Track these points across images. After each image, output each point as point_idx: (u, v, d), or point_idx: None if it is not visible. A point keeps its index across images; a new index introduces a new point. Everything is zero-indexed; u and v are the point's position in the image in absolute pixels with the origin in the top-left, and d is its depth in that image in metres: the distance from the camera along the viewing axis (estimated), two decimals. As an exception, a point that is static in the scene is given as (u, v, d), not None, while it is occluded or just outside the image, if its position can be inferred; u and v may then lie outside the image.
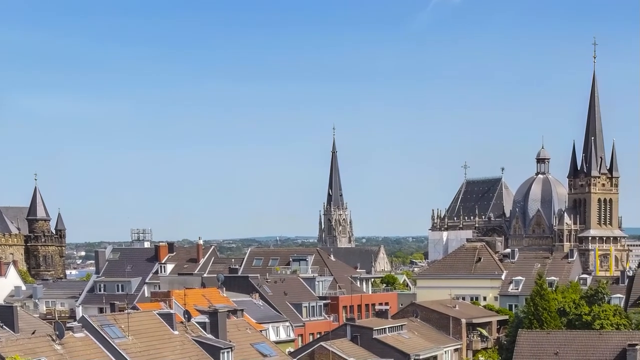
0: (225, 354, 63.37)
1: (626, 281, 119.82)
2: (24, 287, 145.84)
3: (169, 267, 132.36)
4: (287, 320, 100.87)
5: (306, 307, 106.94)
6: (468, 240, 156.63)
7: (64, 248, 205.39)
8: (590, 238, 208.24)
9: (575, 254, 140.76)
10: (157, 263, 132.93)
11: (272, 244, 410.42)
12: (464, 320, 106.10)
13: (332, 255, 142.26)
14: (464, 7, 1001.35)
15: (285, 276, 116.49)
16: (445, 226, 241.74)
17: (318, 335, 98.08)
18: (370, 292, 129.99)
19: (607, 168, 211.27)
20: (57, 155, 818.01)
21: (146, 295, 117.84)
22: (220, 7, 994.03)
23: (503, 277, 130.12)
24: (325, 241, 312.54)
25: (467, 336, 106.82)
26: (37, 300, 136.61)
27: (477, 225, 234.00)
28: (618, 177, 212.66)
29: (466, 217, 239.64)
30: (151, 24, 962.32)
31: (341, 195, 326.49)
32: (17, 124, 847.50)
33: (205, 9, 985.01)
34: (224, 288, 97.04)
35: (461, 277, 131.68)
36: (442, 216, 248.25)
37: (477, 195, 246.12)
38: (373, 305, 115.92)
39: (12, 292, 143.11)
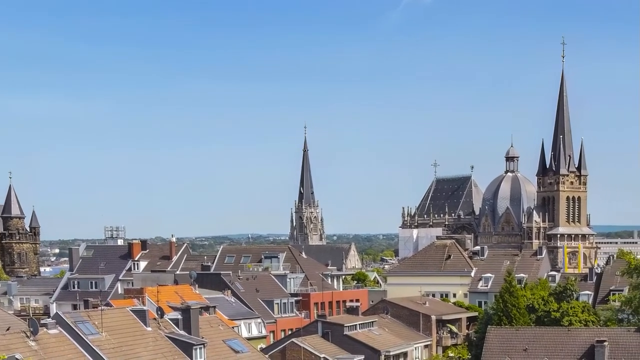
0: (198, 350, 63.45)
1: (594, 278, 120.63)
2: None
3: (142, 264, 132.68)
4: (259, 317, 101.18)
5: (278, 303, 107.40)
6: (438, 237, 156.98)
7: (38, 245, 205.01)
8: (558, 235, 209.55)
9: (544, 252, 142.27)
10: (130, 260, 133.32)
11: (244, 241, 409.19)
12: (433, 317, 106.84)
13: (303, 253, 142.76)
14: (435, 7, 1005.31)
15: (257, 273, 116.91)
16: (416, 224, 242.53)
17: (289, 332, 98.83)
18: (341, 289, 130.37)
19: (576, 166, 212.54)
20: (32, 154, 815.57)
21: (119, 292, 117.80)
22: (195, 8, 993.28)
23: (472, 274, 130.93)
24: (297, 239, 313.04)
25: (437, 332, 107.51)
26: (11, 297, 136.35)
27: (447, 222, 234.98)
28: (586, 176, 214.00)
29: (436, 215, 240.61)
30: (127, 24, 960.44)
31: (312, 193, 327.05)
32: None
33: (180, 10, 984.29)
34: (197, 285, 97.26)
35: (431, 274, 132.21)
36: (412, 214, 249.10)
37: (447, 193, 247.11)
38: (344, 302, 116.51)
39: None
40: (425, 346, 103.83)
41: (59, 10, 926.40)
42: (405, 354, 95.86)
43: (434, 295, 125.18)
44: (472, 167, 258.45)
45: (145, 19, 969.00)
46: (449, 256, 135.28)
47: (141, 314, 64.05)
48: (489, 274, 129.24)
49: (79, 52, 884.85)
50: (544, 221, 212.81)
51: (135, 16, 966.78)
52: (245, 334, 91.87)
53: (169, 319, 66.71)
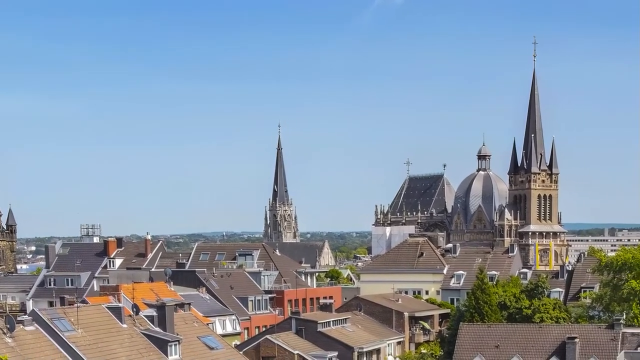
0: (173, 346, 63.81)
1: (565, 275, 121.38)
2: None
3: (118, 261, 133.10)
4: (233, 314, 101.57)
5: (252, 300, 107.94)
6: (411, 235, 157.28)
7: (14, 243, 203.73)
8: (530, 233, 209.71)
9: (516, 249, 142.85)
10: (106, 258, 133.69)
11: (219, 239, 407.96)
12: (406, 314, 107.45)
13: (277, 250, 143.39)
14: (407, 7, 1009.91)
15: (231, 270, 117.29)
16: (388, 221, 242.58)
17: (264, 329, 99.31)
18: (314, 286, 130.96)
19: (547, 165, 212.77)
20: (8, 152, 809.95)
21: (95, 289, 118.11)
22: (168, 7, 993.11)
23: (445, 271, 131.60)
24: (271, 236, 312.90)
25: (410, 329, 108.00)
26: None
27: (419, 220, 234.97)
28: (558, 174, 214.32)
29: (409, 213, 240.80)
30: (102, 24, 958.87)
31: (286, 191, 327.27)
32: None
33: (156, 10, 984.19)
34: (172, 282, 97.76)
35: (404, 272, 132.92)
36: (385, 212, 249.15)
37: (420, 192, 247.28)
38: (317, 299, 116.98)
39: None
40: (398, 343, 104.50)
41: (34, 10, 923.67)
42: (378, 351, 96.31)
43: (406, 293, 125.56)
44: (445, 166, 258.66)
45: (121, 18, 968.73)
46: (422, 254, 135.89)
47: (117, 311, 64.45)
48: (461, 272, 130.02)
49: (54, 51, 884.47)
50: (515, 219, 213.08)
51: (110, 16, 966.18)
52: (219, 330, 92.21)
53: (144, 315, 67.12)
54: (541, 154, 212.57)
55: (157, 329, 65.81)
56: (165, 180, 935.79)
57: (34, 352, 55.84)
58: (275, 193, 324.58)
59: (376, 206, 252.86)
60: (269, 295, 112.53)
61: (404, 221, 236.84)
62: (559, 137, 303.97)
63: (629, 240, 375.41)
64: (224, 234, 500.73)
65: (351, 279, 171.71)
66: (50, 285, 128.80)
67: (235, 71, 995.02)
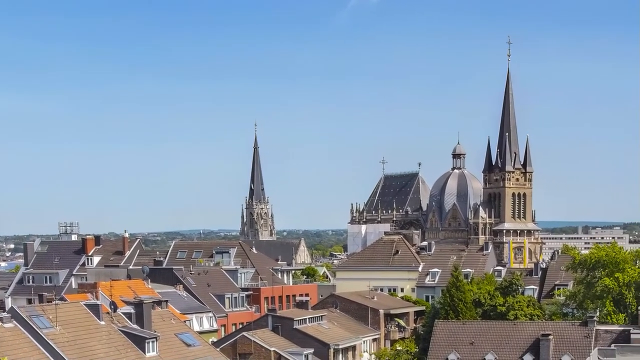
0: (150, 343, 64.05)
1: (539, 273, 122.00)
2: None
3: (96, 259, 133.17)
4: (210, 311, 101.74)
5: (229, 298, 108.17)
6: (386, 233, 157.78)
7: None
8: (504, 231, 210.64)
9: (490, 247, 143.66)
10: (84, 255, 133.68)
11: (196, 237, 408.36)
12: (382, 311, 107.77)
13: (254, 248, 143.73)
14: (382, 7, 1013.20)
15: (208, 268, 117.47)
16: (364, 220, 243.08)
17: (240, 326, 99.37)
18: (291, 284, 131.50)
19: (521, 163, 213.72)
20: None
21: (73, 286, 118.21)
22: (147, 7, 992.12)
23: (420, 269, 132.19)
24: (248, 234, 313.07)
25: (385, 326, 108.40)
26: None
27: (394, 218, 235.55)
28: (532, 172, 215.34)
29: (384, 211, 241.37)
30: (77, 23, 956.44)
31: (263, 189, 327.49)
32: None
33: (131, 9, 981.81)
34: (149, 280, 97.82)
35: (379, 269, 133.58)
36: (360, 210, 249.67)
37: (395, 190, 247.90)
38: (294, 296, 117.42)
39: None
40: (374, 340, 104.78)
41: (14, 9, 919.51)
42: (353, 348, 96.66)
43: (382, 290, 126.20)
44: (420, 164, 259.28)
45: (100, 18, 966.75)
46: (397, 251, 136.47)
47: (95, 308, 64.58)
48: (436, 269, 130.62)
49: (33, 50, 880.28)
50: (490, 217, 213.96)
51: (89, 16, 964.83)
52: (196, 327, 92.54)
53: (122, 313, 67.23)
54: (515, 153, 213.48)
55: (135, 326, 65.93)
56: (142, 179, 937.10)
57: (12, 349, 55.87)
58: (252, 191, 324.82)
59: (352, 204, 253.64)
60: (246, 293, 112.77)
61: (379, 219, 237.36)
62: (533, 136, 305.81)
63: (602, 238, 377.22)
64: (201, 231, 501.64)
65: (327, 277, 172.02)
66: (28, 282, 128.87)
67: (213, 70, 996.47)
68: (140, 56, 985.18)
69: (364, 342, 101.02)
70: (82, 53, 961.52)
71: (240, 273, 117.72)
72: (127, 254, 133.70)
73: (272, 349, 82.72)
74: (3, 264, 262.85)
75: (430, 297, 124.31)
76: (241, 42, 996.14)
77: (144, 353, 63.39)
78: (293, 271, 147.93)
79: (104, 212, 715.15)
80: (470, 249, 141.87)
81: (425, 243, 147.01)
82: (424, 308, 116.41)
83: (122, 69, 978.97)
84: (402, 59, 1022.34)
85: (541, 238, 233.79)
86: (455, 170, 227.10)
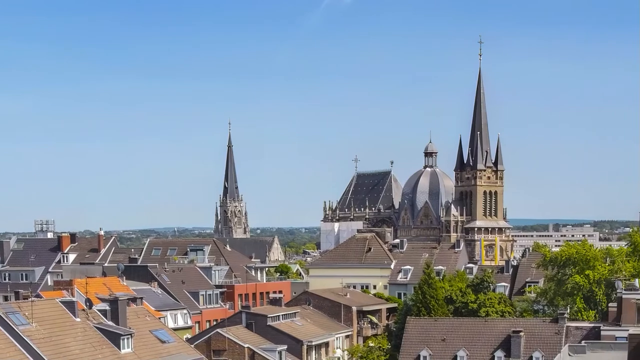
0: (125, 340, 64.23)
1: (510, 270, 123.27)
2: None
3: (71, 256, 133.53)
4: (184, 308, 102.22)
5: (203, 295, 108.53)
6: (359, 231, 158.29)
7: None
8: (476, 229, 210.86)
9: (462, 244, 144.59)
10: (59, 253, 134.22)
11: (170, 234, 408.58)
12: (354, 308, 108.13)
13: (228, 246, 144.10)
14: (355, 7, 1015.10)
15: (182, 265, 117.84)
16: (337, 217, 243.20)
17: (214, 322, 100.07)
18: (264, 281, 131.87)
19: (492, 162, 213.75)
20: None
21: (49, 283, 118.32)
22: (119, 5, 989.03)
23: (392, 266, 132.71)
24: (222, 232, 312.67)
25: (358, 323, 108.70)
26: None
27: (367, 216, 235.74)
28: (503, 171, 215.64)
29: (357, 209, 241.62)
30: (47, 22, 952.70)
31: (237, 187, 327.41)
32: None
33: (102, 8, 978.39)
34: (124, 277, 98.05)
35: (352, 267, 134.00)
36: (333, 208, 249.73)
37: (368, 188, 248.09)
38: (267, 293, 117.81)
39: None
40: (347, 336, 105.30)
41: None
42: (326, 344, 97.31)
43: (354, 287, 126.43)
44: (392, 163, 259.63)
45: (71, 17, 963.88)
46: (370, 249, 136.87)
47: (70, 305, 64.60)
48: (408, 266, 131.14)
49: (2, 49, 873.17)
50: (461, 215, 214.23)
51: (60, 14, 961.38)
52: (171, 324, 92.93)
53: (97, 310, 67.27)
54: (487, 151, 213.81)
55: (110, 323, 66.03)
56: (117, 177, 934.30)
57: (-12, 346, 56.24)
58: (225, 189, 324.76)
59: (325, 202, 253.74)
60: (220, 290, 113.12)
61: (352, 217, 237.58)
62: (504, 135, 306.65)
63: (572, 235, 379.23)
64: (176, 229, 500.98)
65: (300, 274, 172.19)
66: (4, 279, 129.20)
67: (187, 69, 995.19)
68: (114, 55, 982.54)
69: (336, 338, 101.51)
70: (54, 52, 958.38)
71: (215, 270, 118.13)
72: (103, 251, 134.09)
73: (246, 345, 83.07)
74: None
75: (402, 294, 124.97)
76: (215, 41, 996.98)
77: (119, 349, 63.49)
78: (267, 268, 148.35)
79: (79, 210, 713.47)
80: (442, 247, 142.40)
81: (397, 241, 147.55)
82: (396, 305, 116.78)
83: (97, 68, 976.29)
84: (374, 58, 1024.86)
85: (512, 236, 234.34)
86: (427, 169, 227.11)
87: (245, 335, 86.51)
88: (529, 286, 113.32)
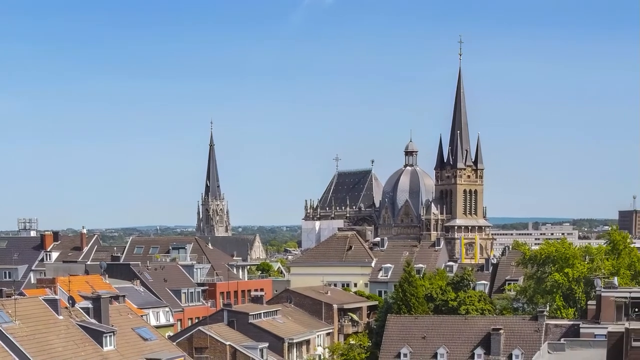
0: (108, 337, 64.26)
1: (490, 268, 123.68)
2: None
3: (54, 255, 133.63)
4: (166, 306, 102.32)
5: (185, 293, 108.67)
6: (339, 229, 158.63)
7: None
8: (456, 227, 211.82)
9: (442, 243, 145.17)
10: (42, 251, 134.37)
11: (153, 233, 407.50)
12: (335, 306, 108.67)
13: (209, 244, 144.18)
14: (336, 7, 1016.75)
15: (165, 264, 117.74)
16: (318, 216, 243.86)
17: (196, 320, 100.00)
18: (246, 279, 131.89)
19: (472, 160, 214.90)
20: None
21: (32, 281, 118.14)
22: (103, 6, 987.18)
23: (373, 264, 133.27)
24: (203, 230, 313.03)
25: (339, 321, 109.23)
26: None
27: (348, 215, 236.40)
28: (482, 169, 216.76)
29: (338, 207, 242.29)
30: (33, 22, 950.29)
31: (218, 186, 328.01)
32: None
33: (87, 8, 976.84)
34: (107, 275, 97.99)
35: (333, 265, 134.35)
36: (314, 206, 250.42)
37: (348, 187, 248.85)
38: (249, 291, 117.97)
39: None
40: (328, 334, 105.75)
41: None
42: (307, 342, 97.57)
43: (335, 285, 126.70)
44: (373, 162, 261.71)
45: (56, 18, 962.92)
46: (350, 247, 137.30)
47: (53, 303, 64.61)
48: (388, 265, 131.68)
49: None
50: (441, 213, 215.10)
51: (45, 15, 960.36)
52: (153, 322, 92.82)
53: (80, 307, 67.29)
54: (467, 150, 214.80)
55: (93, 321, 66.06)
56: (100, 176, 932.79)
57: (-28, 343, 56.36)
58: (207, 188, 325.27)
59: (306, 201, 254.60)
60: (202, 288, 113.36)
61: (333, 215, 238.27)
62: (484, 134, 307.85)
63: (552, 234, 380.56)
64: (158, 228, 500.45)
65: (281, 272, 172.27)
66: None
67: (169, 69, 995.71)
68: (97, 55, 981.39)
69: (317, 336, 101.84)
70: (39, 52, 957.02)
71: (196, 268, 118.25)
72: (85, 249, 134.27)
73: (228, 343, 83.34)
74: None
75: (383, 292, 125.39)
76: (197, 41, 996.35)
77: (102, 347, 63.50)
78: (248, 267, 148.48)
79: (62, 209, 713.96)
80: (422, 245, 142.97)
81: (378, 239, 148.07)
82: (376, 303, 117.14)
83: (79, 68, 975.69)
84: (355, 58, 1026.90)
85: (492, 234, 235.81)
86: (408, 168, 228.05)
87: (226, 333, 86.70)
88: (509, 284, 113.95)
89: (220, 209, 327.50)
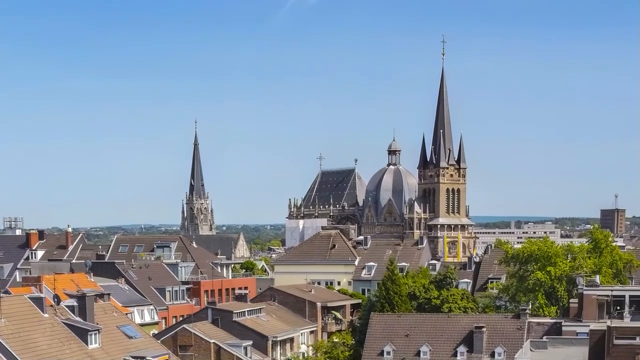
0: (93, 335, 64.29)
1: (473, 267, 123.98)
2: None
3: (40, 253, 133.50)
4: (151, 304, 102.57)
5: (170, 291, 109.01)
6: (323, 228, 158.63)
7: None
8: (439, 226, 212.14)
9: (425, 241, 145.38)
10: (28, 250, 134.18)
11: (137, 231, 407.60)
12: (319, 304, 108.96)
13: (194, 242, 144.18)
14: (320, 7, 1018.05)
15: (149, 262, 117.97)
16: (302, 214, 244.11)
17: (181, 318, 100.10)
18: (230, 277, 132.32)
19: (455, 159, 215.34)
20: None
21: (18, 280, 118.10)
22: (86, 5, 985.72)
23: (356, 262, 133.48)
24: (188, 229, 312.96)
25: (322, 319, 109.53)
26: None
27: (331, 213, 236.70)
28: (465, 168, 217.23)
29: (321, 206, 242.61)
30: (17, 22, 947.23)
31: (203, 185, 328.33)
32: None
33: (70, 8, 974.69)
34: (92, 273, 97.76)
35: (316, 263, 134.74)
36: (298, 205, 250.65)
37: (332, 185, 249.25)
38: (233, 289, 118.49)
39: None
40: (311, 332, 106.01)
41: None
42: (291, 340, 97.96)
43: (319, 283, 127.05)
44: (356, 160, 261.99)
45: (40, 17, 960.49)
46: (334, 246, 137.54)
47: (38, 301, 64.49)
48: (372, 263, 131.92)
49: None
50: (424, 212, 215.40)
51: (28, 15, 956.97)
52: (138, 320, 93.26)
53: (65, 306, 67.22)
54: (449, 149, 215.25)
55: (78, 319, 66.04)
56: (85, 175, 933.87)
57: (-42, 341, 56.42)
58: (192, 187, 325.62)
59: (290, 200, 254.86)
60: (186, 286, 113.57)
61: (316, 214, 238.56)
62: (466, 133, 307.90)
63: (534, 232, 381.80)
64: (143, 226, 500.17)
65: (265, 270, 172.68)
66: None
67: (154, 68, 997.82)
68: (82, 54, 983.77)
69: (301, 334, 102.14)
70: (23, 51, 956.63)
71: (181, 267, 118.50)
72: (70, 248, 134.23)
73: (212, 340, 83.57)
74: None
75: (366, 290, 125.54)
76: (181, 42, 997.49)
77: (87, 345, 63.50)
78: (232, 265, 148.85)
79: (47, 207, 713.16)
80: (405, 243, 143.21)
81: (361, 237, 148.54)
82: (360, 301, 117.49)
83: (64, 67, 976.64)
84: (338, 57, 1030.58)
85: (475, 232, 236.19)
86: (391, 166, 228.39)
87: (211, 330, 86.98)
88: (491, 282, 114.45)
89: (205, 208, 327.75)
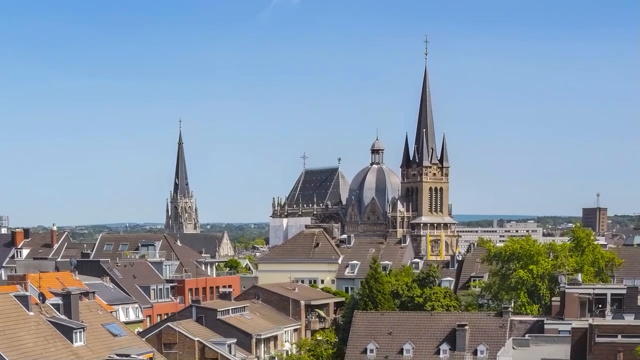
0: (78, 333, 64.39)
1: (456, 265, 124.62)
2: None
3: (25, 251, 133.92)
4: (136, 302, 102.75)
5: (154, 289, 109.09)
6: (307, 226, 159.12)
7: None
8: (422, 224, 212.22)
9: (408, 240, 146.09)
10: (13, 248, 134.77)
11: (122, 230, 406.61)
12: (302, 302, 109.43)
13: (178, 241, 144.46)
14: (303, 7, 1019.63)
15: (134, 260, 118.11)
16: (285, 213, 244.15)
17: (165, 316, 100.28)
18: (214, 276, 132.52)
19: (438, 158, 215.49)
20: None
21: (3, 278, 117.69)
22: (73, 6, 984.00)
23: (340, 261, 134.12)
24: (172, 227, 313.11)
25: (306, 317, 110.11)
26: None
27: (315, 212, 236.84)
28: (448, 167, 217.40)
29: (305, 205, 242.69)
30: (4, 23, 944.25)
31: (187, 184, 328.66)
32: None
33: (57, 8, 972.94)
34: (77, 272, 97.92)
35: (300, 261, 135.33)
36: (282, 204, 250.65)
37: (316, 184, 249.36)
38: (217, 287, 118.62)
39: None
40: (295, 330, 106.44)
41: None
42: (275, 337, 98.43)
43: (303, 282, 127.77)
44: (340, 160, 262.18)
45: (27, 17, 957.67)
46: (317, 244, 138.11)
47: (24, 300, 64.63)
48: (355, 261, 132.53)
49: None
50: (407, 211, 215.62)
51: (16, 15, 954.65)
52: (123, 318, 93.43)
53: (50, 304, 67.24)
54: (432, 148, 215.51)
55: (63, 317, 66.12)
56: (70, 173, 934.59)
57: (-57, 339, 56.59)
58: (176, 186, 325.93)
59: (273, 198, 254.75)
60: (171, 284, 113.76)
61: (300, 213, 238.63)
62: (449, 132, 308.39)
63: (516, 231, 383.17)
64: (127, 225, 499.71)
65: (249, 269, 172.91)
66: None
67: (139, 68, 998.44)
68: (69, 54, 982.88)
69: (285, 332, 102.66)
70: (10, 51, 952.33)
71: (165, 265, 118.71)
72: (56, 246, 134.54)
73: (196, 339, 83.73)
74: None
75: (349, 288, 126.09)
76: (166, 41, 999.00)
77: (72, 343, 63.57)
78: (216, 263, 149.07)
79: (32, 206, 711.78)
80: (388, 242, 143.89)
81: (344, 236, 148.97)
82: (343, 299, 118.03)
83: (51, 67, 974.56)
84: (322, 56, 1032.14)
85: (457, 231, 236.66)
86: (374, 165, 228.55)
87: (195, 328, 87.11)
88: (474, 281, 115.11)
89: (189, 207, 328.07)
